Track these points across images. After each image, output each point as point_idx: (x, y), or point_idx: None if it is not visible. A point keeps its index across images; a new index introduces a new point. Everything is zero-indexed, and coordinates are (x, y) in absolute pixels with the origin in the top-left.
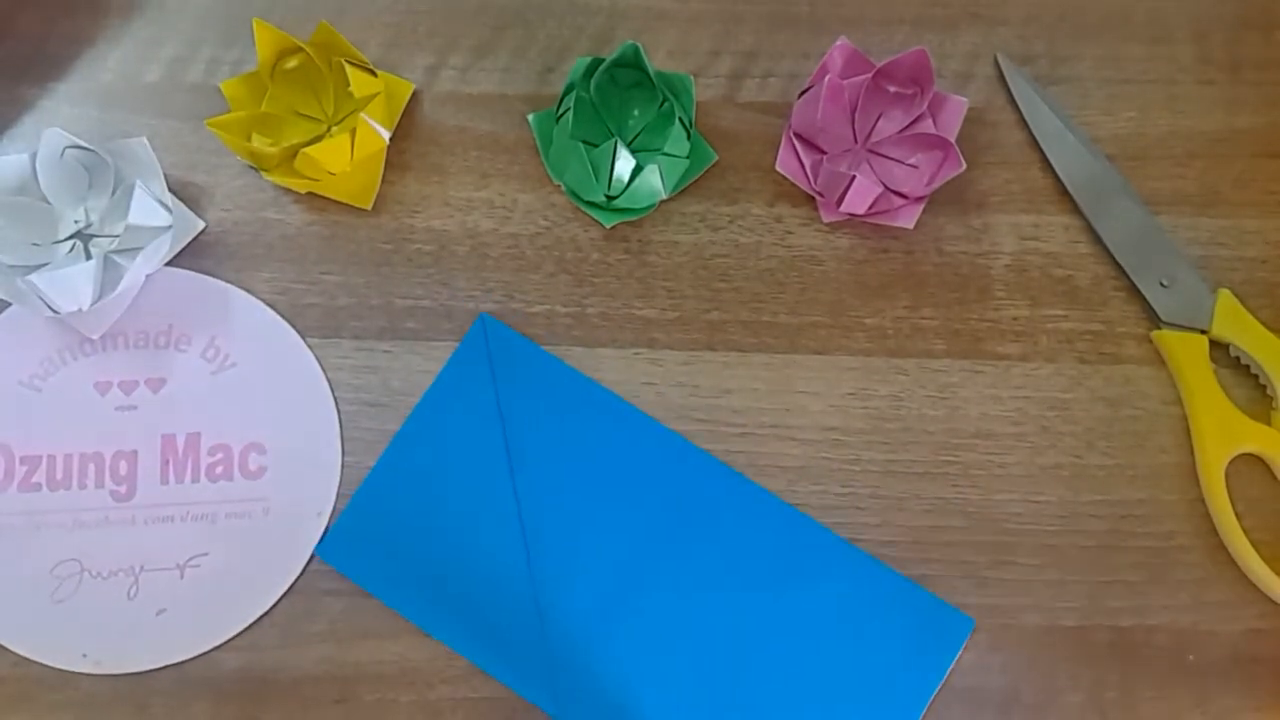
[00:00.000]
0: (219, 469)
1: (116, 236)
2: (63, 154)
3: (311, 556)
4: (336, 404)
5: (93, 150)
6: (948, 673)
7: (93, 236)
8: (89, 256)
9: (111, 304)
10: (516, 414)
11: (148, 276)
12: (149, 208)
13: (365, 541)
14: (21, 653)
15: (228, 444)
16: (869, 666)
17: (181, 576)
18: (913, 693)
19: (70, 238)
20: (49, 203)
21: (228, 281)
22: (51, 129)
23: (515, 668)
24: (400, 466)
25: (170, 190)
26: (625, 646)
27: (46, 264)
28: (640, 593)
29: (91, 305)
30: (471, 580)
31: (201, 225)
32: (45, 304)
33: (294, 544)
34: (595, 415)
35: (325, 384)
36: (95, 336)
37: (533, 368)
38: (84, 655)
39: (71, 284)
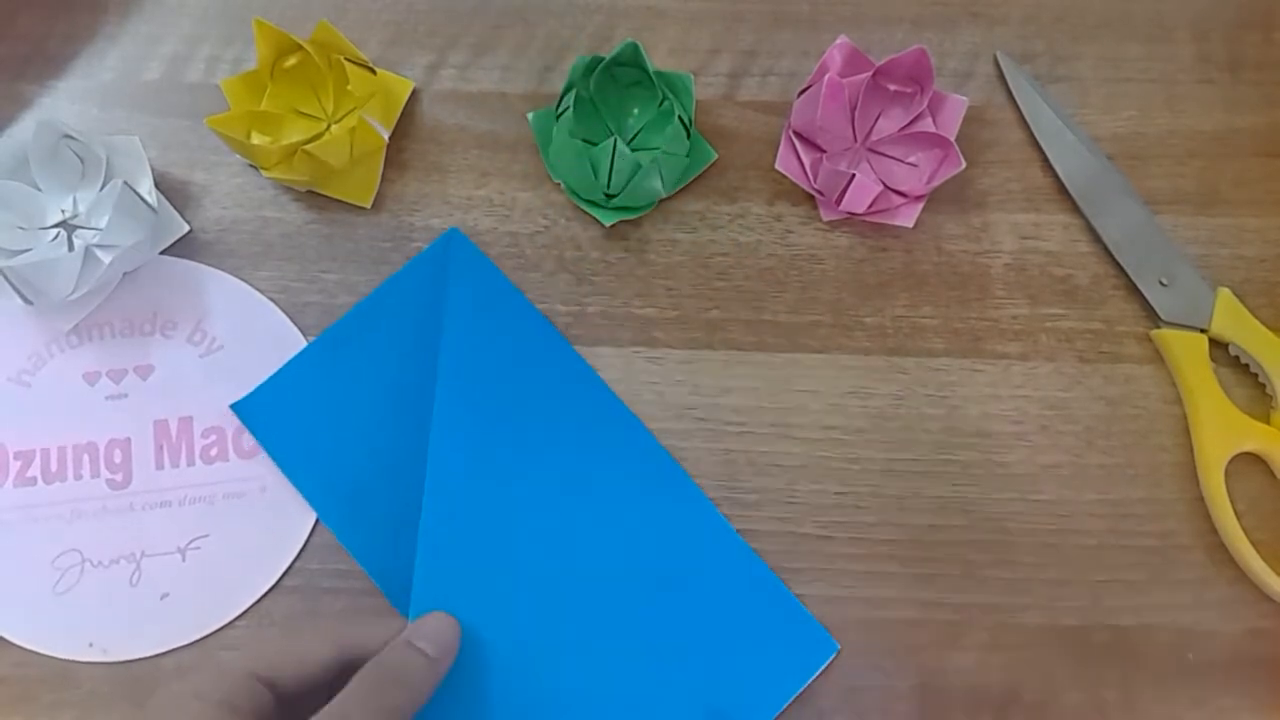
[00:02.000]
0: (213, 450)
1: (100, 230)
2: (57, 143)
3: (312, 533)
4: None
5: (86, 142)
6: (802, 689)
7: (77, 228)
8: (71, 247)
9: (87, 298)
10: (458, 329)
11: (125, 274)
12: (133, 207)
13: (281, 411)
14: (27, 646)
15: (220, 425)
16: (728, 665)
17: (183, 560)
18: (764, 700)
19: (56, 225)
20: (39, 189)
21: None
22: (48, 118)
23: (385, 569)
24: (334, 350)
25: (170, 188)
26: (494, 575)
27: (29, 250)
28: (525, 527)
29: (69, 297)
30: (368, 475)
31: (186, 228)
32: (19, 294)
33: (293, 519)
34: (535, 350)
35: None
36: (66, 329)
37: (487, 289)
38: (90, 644)
39: (54, 273)
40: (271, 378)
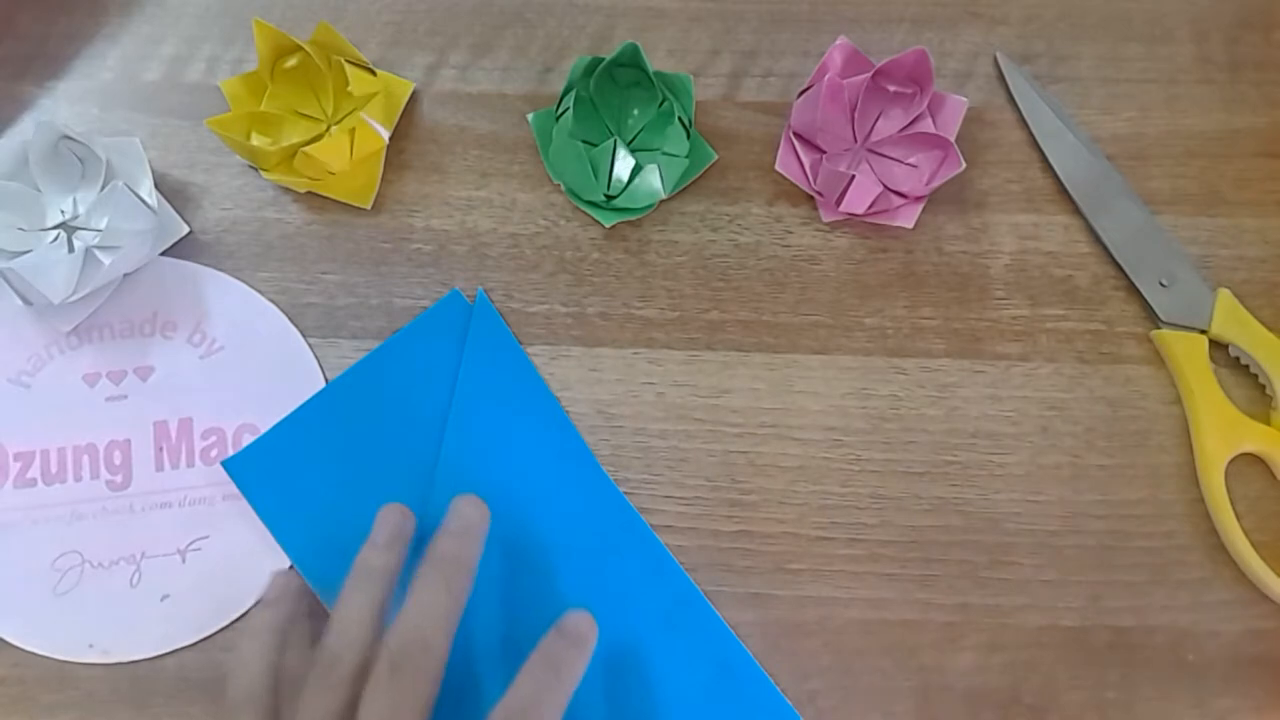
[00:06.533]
0: (213, 452)
1: (100, 231)
2: (57, 144)
3: None
4: (325, 378)
5: (86, 143)
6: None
7: (77, 229)
8: (71, 249)
9: (87, 299)
10: (470, 396)
11: (125, 275)
12: (133, 208)
13: (274, 469)
14: (27, 647)
15: (220, 426)
16: None
17: (183, 561)
18: None
19: (56, 227)
20: (39, 190)
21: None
22: (48, 119)
23: None
24: (330, 410)
25: (170, 189)
26: (478, 645)
27: (29, 251)
28: (512, 601)
29: (69, 299)
30: (359, 539)
31: (186, 230)
32: (19, 295)
33: None
34: (540, 430)
35: (311, 356)
36: (66, 330)
37: (503, 360)
38: (90, 646)
39: (53, 274)
40: (263, 435)
